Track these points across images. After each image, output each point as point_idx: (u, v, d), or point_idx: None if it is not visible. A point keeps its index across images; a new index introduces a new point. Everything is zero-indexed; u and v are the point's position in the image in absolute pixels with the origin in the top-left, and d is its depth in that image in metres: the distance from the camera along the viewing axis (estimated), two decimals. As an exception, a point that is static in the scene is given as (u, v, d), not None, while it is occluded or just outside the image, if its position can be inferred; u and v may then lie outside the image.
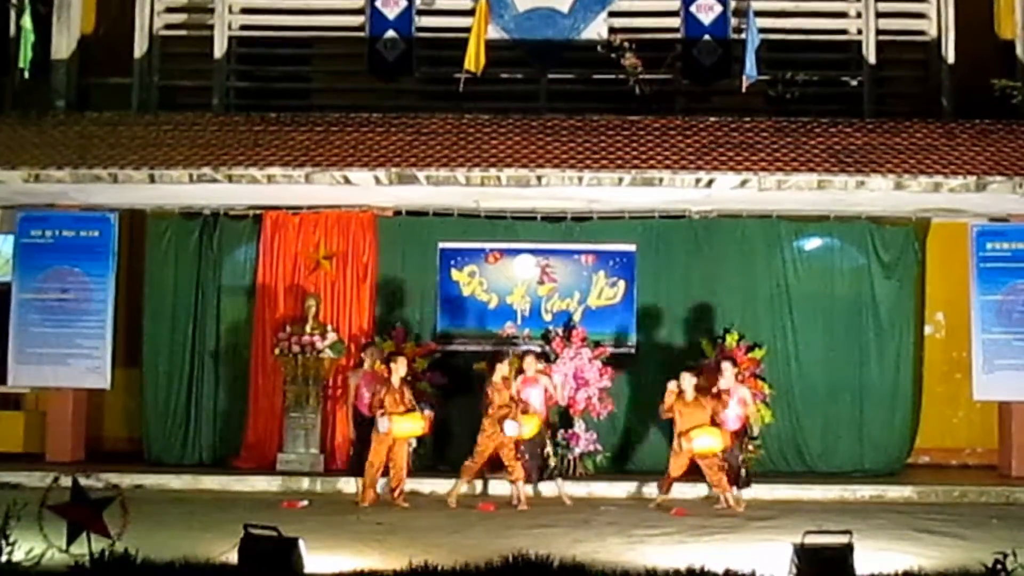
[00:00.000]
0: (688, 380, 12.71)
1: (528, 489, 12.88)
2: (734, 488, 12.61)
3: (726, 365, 13.07)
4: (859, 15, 15.73)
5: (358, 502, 12.55)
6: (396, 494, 12.64)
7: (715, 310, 14.86)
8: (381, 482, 12.76)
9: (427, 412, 13.11)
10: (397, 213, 15.20)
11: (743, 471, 12.85)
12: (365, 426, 12.93)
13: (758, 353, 14.32)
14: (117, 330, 14.96)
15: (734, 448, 12.75)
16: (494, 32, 15.39)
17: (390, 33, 15.81)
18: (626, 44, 15.44)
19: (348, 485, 13.32)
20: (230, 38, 15.96)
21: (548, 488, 13.20)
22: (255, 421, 14.76)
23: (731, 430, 12.76)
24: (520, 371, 13.18)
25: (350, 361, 14.38)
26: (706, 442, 12.49)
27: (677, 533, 10.87)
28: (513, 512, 12.29)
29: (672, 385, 12.70)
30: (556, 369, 13.98)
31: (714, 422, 12.61)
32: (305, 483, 13.62)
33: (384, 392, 12.68)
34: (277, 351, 14.35)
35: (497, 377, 12.81)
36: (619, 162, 13.54)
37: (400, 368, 12.82)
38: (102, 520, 8.52)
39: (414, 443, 13.43)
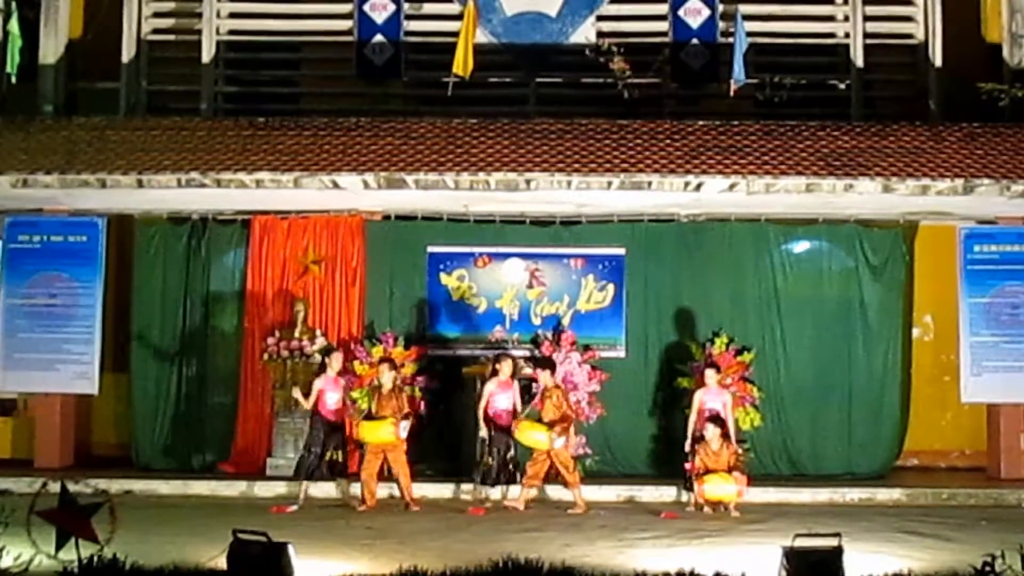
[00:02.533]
0: None
1: (516, 491, 12.87)
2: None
3: (709, 372, 13.14)
4: (847, 18, 15.81)
5: (354, 506, 12.59)
6: (408, 500, 12.64)
7: (704, 313, 14.84)
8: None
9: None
10: (386, 217, 15.19)
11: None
12: (329, 432, 12.83)
13: (747, 356, 14.31)
14: (105, 335, 14.91)
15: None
16: (482, 36, 15.43)
17: (378, 37, 15.84)
18: (614, 48, 15.48)
19: (334, 491, 13.30)
20: (218, 43, 15.98)
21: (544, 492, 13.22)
22: (244, 426, 14.73)
23: None
24: (495, 373, 13.10)
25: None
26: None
27: (667, 536, 10.87)
28: (503, 515, 12.27)
29: None
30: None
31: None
32: (295, 488, 13.57)
33: (375, 397, 12.71)
34: (266, 356, 14.34)
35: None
36: (608, 166, 13.57)
37: (386, 375, 12.81)
38: (91, 526, 8.47)
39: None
